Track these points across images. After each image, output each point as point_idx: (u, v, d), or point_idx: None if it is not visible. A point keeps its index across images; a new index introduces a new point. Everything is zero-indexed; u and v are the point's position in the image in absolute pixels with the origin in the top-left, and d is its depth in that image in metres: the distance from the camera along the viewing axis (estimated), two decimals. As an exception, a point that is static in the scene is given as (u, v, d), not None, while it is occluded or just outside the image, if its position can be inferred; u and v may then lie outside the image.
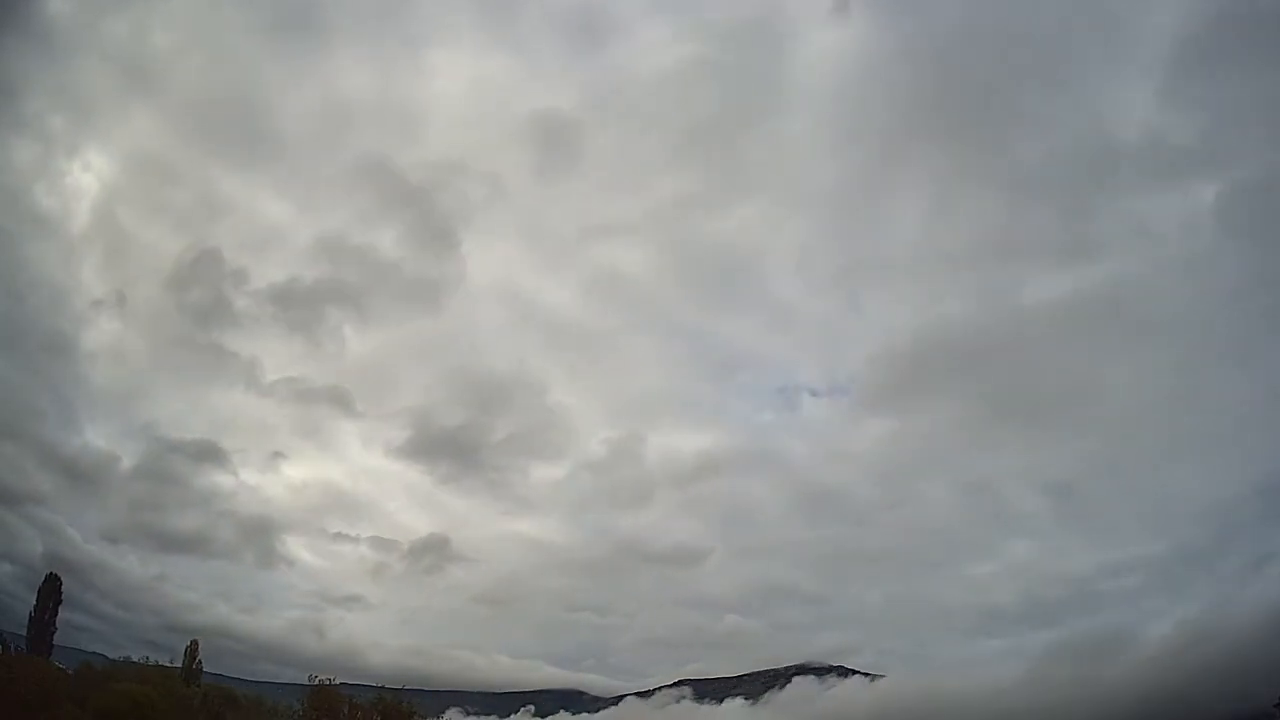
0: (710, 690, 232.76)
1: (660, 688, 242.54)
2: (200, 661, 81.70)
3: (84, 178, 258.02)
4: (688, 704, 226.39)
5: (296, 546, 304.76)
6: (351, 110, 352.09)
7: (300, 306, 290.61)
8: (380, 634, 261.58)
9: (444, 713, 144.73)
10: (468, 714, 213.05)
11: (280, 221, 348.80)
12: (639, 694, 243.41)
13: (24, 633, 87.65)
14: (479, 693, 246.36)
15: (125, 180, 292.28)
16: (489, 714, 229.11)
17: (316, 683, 63.22)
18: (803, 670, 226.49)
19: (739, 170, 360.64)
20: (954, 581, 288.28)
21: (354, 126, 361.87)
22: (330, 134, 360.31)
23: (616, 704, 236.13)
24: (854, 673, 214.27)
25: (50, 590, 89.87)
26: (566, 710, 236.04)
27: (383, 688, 66.21)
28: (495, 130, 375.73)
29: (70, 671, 70.50)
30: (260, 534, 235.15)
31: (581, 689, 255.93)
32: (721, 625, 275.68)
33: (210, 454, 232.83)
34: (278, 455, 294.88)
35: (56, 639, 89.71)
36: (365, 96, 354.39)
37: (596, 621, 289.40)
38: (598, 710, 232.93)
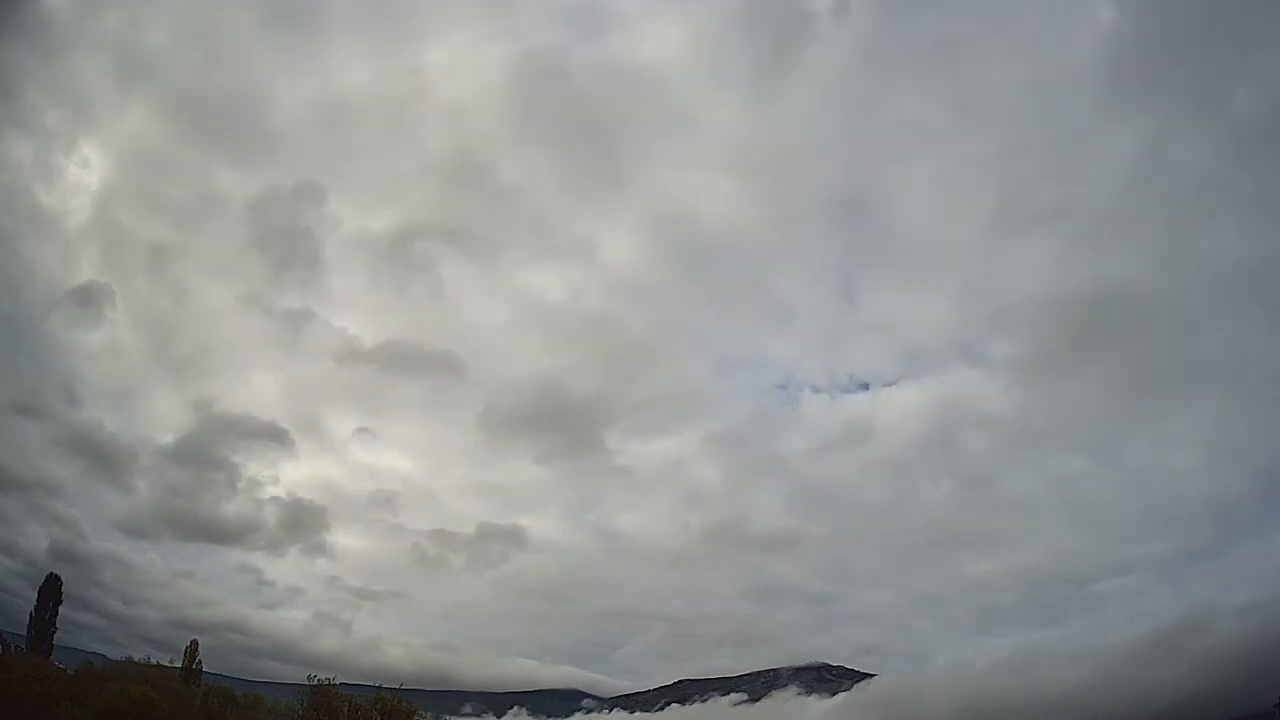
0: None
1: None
2: (200, 661, 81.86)
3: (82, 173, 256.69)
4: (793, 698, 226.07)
5: (345, 538, 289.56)
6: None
7: (405, 259, 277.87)
8: (410, 631, 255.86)
9: (443, 712, 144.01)
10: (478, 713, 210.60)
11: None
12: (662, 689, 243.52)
13: (24, 632, 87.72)
14: (495, 693, 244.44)
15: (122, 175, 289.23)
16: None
17: (315, 682, 63.02)
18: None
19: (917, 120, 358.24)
20: (954, 578, 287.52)
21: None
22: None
23: (716, 696, 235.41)
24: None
25: (51, 590, 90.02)
26: (623, 710, 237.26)
27: (380, 687, 65.79)
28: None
29: (70, 671, 70.44)
30: (307, 525, 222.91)
31: (607, 689, 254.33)
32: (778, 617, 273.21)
33: (266, 433, 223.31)
34: (362, 430, 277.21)
35: (58, 638, 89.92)
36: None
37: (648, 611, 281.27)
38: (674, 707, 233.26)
